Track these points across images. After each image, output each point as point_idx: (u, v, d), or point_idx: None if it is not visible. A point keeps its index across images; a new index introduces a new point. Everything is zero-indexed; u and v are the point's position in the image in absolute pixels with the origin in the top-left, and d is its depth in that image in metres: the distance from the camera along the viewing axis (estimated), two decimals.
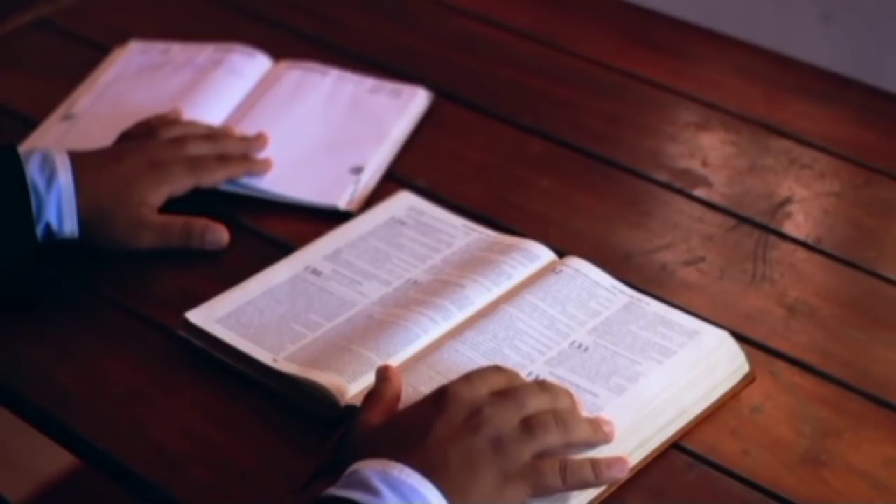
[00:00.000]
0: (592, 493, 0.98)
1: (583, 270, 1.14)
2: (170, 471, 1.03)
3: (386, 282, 1.16)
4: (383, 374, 1.03)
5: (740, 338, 1.11)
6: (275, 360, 1.08)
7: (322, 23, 1.54)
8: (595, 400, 1.03)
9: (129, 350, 1.13)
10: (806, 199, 1.29)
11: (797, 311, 1.16)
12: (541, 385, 1.00)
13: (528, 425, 0.96)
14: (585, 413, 1.01)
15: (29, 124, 1.36)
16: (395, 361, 1.06)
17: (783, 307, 1.16)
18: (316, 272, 1.17)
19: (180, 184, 1.22)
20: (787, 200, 1.29)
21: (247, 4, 1.57)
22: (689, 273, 1.20)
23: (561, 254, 1.18)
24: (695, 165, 1.33)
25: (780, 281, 1.19)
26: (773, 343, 1.12)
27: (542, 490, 0.95)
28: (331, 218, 1.25)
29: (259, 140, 1.31)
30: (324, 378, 1.05)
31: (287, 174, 1.29)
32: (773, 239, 1.24)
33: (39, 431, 1.10)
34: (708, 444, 1.04)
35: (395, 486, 0.91)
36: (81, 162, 1.18)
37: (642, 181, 1.31)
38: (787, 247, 1.23)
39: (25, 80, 1.45)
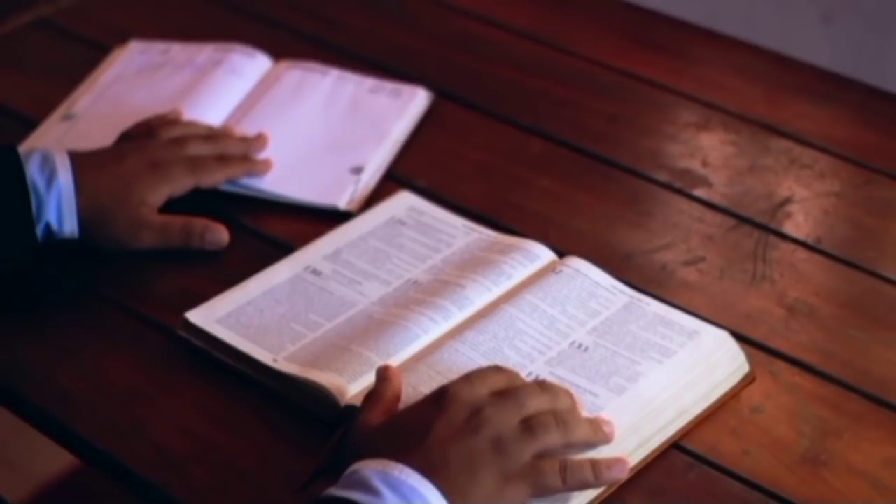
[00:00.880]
0: (592, 493, 0.98)
1: (583, 270, 1.14)
2: (170, 471, 1.03)
3: (386, 282, 1.16)
4: (383, 374, 1.03)
5: (740, 338, 1.11)
6: (275, 360, 1.08)
7: (322, 23, 1.54)
8: (595, 400, 1.03)
9: (129, 350, 1.13)
10: (806, 199, 1.29)
11: (797, 311, 1.16)
12: (541, 385, 1.00)
13: (529, 425, 0.96)
14: (586, 413, 1.01)
15: (29, 124, 1.36)
16: (395, 361, 1.06)
17: (783, 307, 1.16)
18: (316, 272, 1.18)
19: (180, 184, 1.22)
20: (787, 200, 1.29)
21: (247, 4, 1.57)
22: (689, 273, 1.20)
23: (561, 254, 1.18)
24: (695, 165, 1.33)
25: (780, 281, 1.19)
26: (773, 343, 1.12)
27: (542, 490, 0.95)
28: (331, 218, 1.25)
29: (259, 140, 1.31)
30: (324, 378, 1.05)
31: (287, 174, 1.29)
32: (773, 239, 1.24)
33: (39, 431, 1.10)
34: (708, 444, 1.04)
35: (395, 487, 0.91)
36: (81, 162, 1.18)
37: (642, 181, 1.31)
38: (787, 247, 1.23)
39: (25, 80, 1.45)
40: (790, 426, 1.05)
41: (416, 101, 1.39)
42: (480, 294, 1.13)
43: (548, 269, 1.15)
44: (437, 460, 0.93)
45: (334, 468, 0.97)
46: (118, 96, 1.39)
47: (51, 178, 1.16)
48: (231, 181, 1.27)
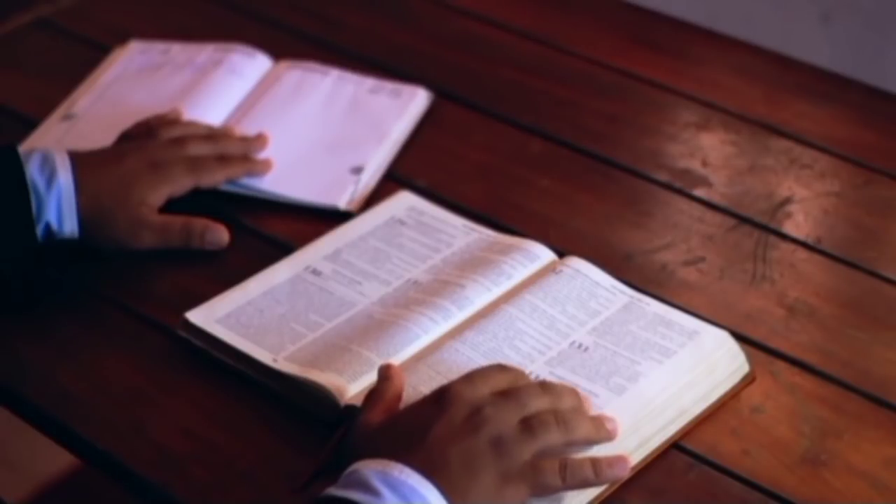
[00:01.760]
0: (592, 493, 0.98)
1: (583, 270, 1.14)
2: (170, 471, 1.03)
3: (386, 282, 1.16)
4: (385, 374, 1.03)
5: (740, 338, 1.11)
6: (275, 360, 1.08)
7: (322, 23, 1.54)
8: (595, 400, 1.03)
9: (129, 350, 1.13)
10: (806, 199, 1.29)
11: (797, 311, 1.16)
12: (543, 385, 1.00)
13: (529, 425, 0.96)
14: (591, 411, 1.01)
15: (29, 124, 1.36)
16: (395, 361, 1.06)
17: (783, 307, 1.16)
18: (316, 272, 1.17)
19: (180, 184, 1.22)
20: (787, 200, 1.29)
21: (247, 4, 1.57)
22: (689, 273, 1.20)
23: (561, 254, 1.18)
24: (695, 165, 1.33)
25: (780, 281, 1.19)
26: (773, 343, 1.12)
27: (542, 490, 0.95)
28: (331, 218, 1.25)
29: (259, 140, 1.31)
30: (324, 378, 1.05)
31: (287, 174, 1.29)
32: (773, 239, 1.24)
33: (39, 431, 1.10)
34: (708, 444, 1.04)
35: (394, 487, 0.91)
36: (81, 162, 1.18)
37: (642, 181, 1.31)
38: (787, 247, 1.23)
39: (25, 80, 1.45)
40: (790, 426, 1.05)
41: (416, 101, 1.39)
42: (480, 294, 1.13)
43: (548, 269, 1.15)
44: (437, 460, 0.93)
45: (334, 468, 0.97)
46: (118, 96, 1.39)
47: (51, 178, 1.16)
48: (231, 181, 1.27)
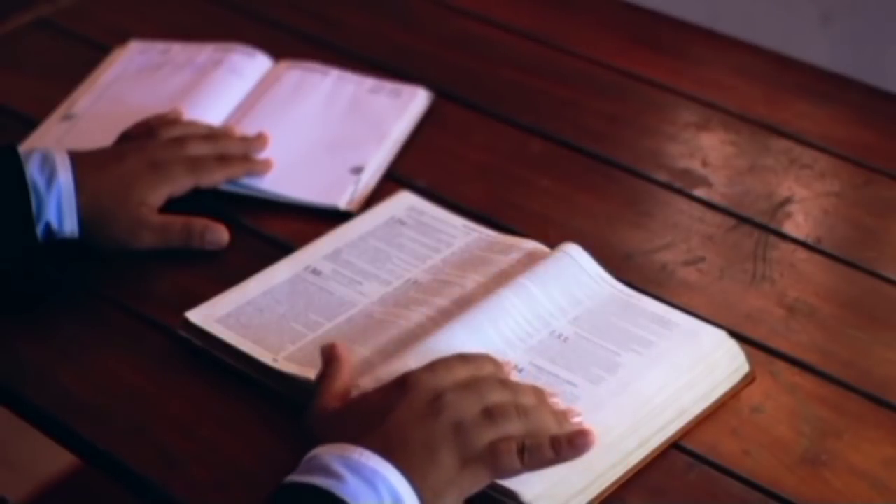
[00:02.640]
0: (592, 493, 0.98)
1: (583, 267, 1.14)
2: (170, 471, 1.03)
3: (386, 282, 1.16)
4: (331, 354, 1.02)
5: (740, 338, 1.11)
6: (275, 360, 1.08)
7: (322, 23, 1.54)
8: (594, 399, 1.03)
9: (129, 350, 1.13)
10: (806, 199, 1.29)
11: (797, 311, 1.16)
12: (503, 382, 1.00)
13: (489, 413, 0.96)
14: (563, 405, 1.00)
15: (29, 124, 1.36)
16: (394, 361, 1.06)
17: (783, 307, 1.16)
18: (316, 272, 1.18)
19: (180, 184, 1.22)
20: (787, 200, 1.29)
21: (247, 4, 1.57)
22: (689, 273, 1.20)
23: None
24: (695, 165, 1.33)
25: (780, 281, 1.19)
26: (773, 343, 1.12)
27: (502, 473, 0.95)
28: (331, 218, 1.25)
29: (259, 140, 1.31)
30: None
31: (287, 174, 1.29)
32: (773, 239, 1.24)
33: (39, 431, 1.10)
34: (708, 444, 1.04)
35: (356, 470, 0.91)
36: (81, 162, 1.18)
37: (642, 181, 1.31)
38: (787, 247, 1.23)
39: (25, 80, 1.45)
40: (790, 426, 1.05)
41: (416, 101, 1.39)
42: (480, 294, 1.13)
43: (541, 255, 1.15)
44: (396, 441, 0.93)
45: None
46: (118, 96, 1.39)
47: (51, 177, 1.16)
48: (231, 181, 1.27)
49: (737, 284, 1.19)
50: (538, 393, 1.00)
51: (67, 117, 1.36)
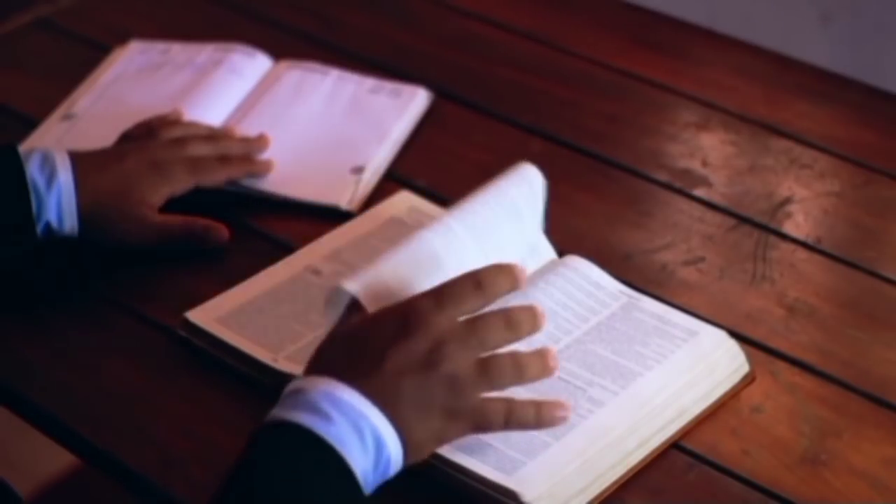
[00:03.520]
0: (592, 492, 0.99)
1: (582, 270, 1.14)
2: (170, 470, 1.03)
3: None
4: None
5: (740, 338, 1.11)
6: (275, 360, 1.08)
7: (322, 23, 1.54)
8: (594, 398, 1.03)
9: (129, 350, 1.13)
10: (806, 199, 1.29)
11: (797, 311, 1.16)
12: (507, 319, 0.98)
13: (485, 368, 0.96)
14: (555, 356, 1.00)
15: (29, 124, 1.36)
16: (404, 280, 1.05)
17: (783, 307, 1.16)
18: (316, 272, 1.18)
19: (180, 184, 1.22)
20: (787, 200, 1.29)
21: (247, 4, 1.57)
22: (689, 273, 1.20)
23: (561, 254, 1.18)
24: (695, 165, 1.33)
25: (780, 281, 1.19)
26: (773, 343, 1.12)
27: (483, 429, 0.97)
28: (331, 218, 1.25)
29: (260, 141, 1.31)
30: None
31: (287, 174, 1.29)
32: (773, 239, 1.24)
33: (40, 431, 1.10)
34: (708, 444, 1.04)
35: (345, 412, 0.91)
36: (82, 162, 1.18)
37: (642, 181, 1.31)
38: (787, 247, 1.23)
39: (25, 80, 1.45)
40: (790, 426, 1.05)
41: (416, 101, 1.39)
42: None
43: (547, 268, 1.15)
44: (389, 390, 0.93)
45: None
46: (118, 96, 1.39)
47: (51, 177, 1.16)
48: (231, 182, 1.27)
49: (737, 284, 1.19)
50: (534, 319, 0.99)
51: (67, 117, 1.36)
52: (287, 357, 1.09)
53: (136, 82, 1.42)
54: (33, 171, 1.16)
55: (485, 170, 1.32)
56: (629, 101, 1.43)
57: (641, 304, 1.12)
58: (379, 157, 1.32)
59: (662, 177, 1.32)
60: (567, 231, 1.24)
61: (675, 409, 1.04)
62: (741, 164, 1.34)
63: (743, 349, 1.09)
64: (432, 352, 0.95)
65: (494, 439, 1.00)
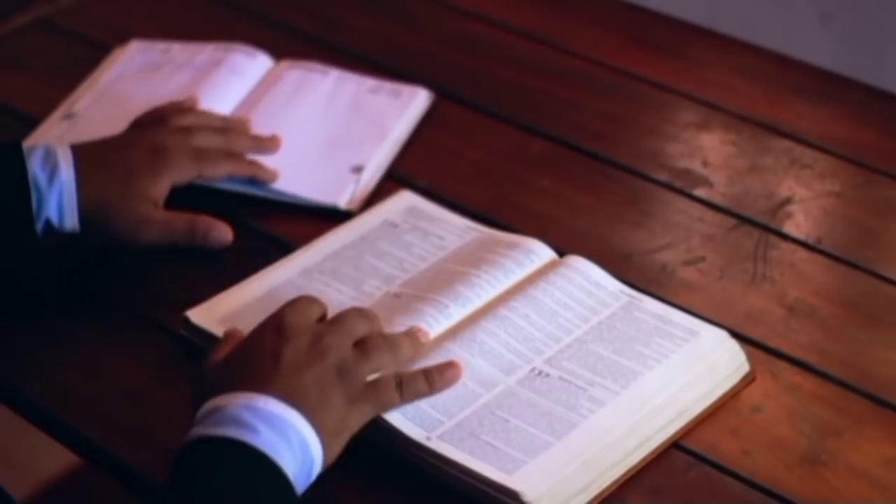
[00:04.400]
0: (593, 492, 0.99)
1: (583, 270, 1.14)
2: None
3: (387, 281, 1.16)
4: (230, 332, 1.06)
5: (740, 337, 1.11)
6: None
7: (322, 23, 1.54)
8: (595, 398, 1.03)
9: (129, 349, 1.13)
10: (806, 199, 1.29)
11: (797, 311, 1.16)
12: (359, 311, 1.04)
13: (363, 348, 1.01)
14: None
15: (30, 124, 1.36)
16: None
17: (783, 307, 1.16)
18: (316, 272, 1.17)
19: (182, 172, 1.21)
20: (787, 200, 1.29)
21: (247, 4, 1.57)
22: (689, 273, 1.20)
23: (561, 254, 1.18)
24: (695, 165, 1.33)
25: (780, 281, 1.19)
26: (773, 343, 1.12)
27: (384, 407, 1.00)
28: (331, 218, 1.25)
29: (272, 141, 1.30)
30: None
31: (288, 173, 1.29)
32: (773, 239, 1.24)
33: (40, 430, 1.10)
34: (708, 444, 1.04)
35: (266, 420, 0.93)
36: (84, 155, 1.18)
37: (642, 181, 1.32)
38: (787, 247, 1.23)
39: (26, 80, 1.45)
40: (790, 426, 1.05)
41: (416, 100, 1.39)
42: (481, 293, 1.13)
43: (548, 268, 1.15)
44: (294, 387, 0.96)
45: None
46: (119, 96, 1.39)
47: (53, 173, 1.16)
48: (233, 179, 1.26)
49: (737, 284, 1.19)
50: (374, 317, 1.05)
51: (68, 117, 1.36)
52: None
53: (136, 82, 1.42)
54: (35, 167, 1.16)
55: (485, 170, 1.33)
56: (629, 101, 1.43)
57: (642, 304, 1.12)
58: (379, 157, 1.32)
59: (663, 177, 1.32)
60: (567, 231, 1.24)
61: (675, 408, 1.04)
62: (741, 164, 1.34)
63: (743, 349, 1.09)
64: (315, 344, 0.99)
65: (495, 439, 1.00)
